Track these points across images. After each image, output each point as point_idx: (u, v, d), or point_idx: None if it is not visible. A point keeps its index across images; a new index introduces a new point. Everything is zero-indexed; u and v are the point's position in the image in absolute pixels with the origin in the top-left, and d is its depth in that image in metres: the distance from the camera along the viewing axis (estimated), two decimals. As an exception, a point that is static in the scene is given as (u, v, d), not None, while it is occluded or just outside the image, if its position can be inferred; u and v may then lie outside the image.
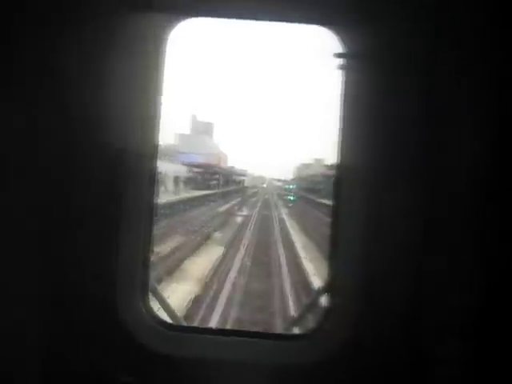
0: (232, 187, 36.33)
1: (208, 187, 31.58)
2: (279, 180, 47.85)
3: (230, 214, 27.84)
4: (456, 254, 2.14)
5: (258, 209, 33.26)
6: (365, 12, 2.20)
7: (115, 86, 2.18)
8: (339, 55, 2.32)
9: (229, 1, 2.25)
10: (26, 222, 2.16)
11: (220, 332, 2.82)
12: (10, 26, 2.11)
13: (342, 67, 2.32)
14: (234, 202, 32.80)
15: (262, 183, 50.50)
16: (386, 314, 2.18)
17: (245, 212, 30.37)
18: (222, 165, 32.72)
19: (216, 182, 33.04)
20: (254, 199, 39.92)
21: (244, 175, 40.71)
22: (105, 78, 2.17)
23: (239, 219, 26.67)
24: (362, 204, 2.25)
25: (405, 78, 2.19)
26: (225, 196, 33.15)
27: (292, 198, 36.05)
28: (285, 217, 29.06)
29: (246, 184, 42.84)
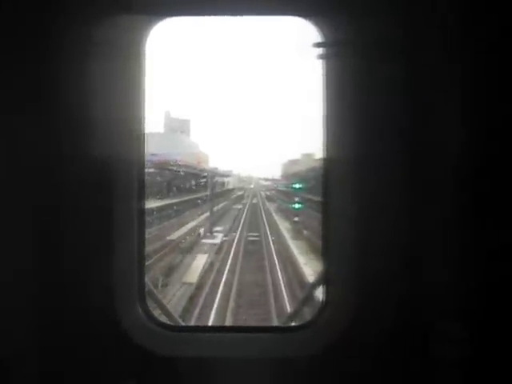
0: (208, 192, 30.00)
1: (176, 194, 21.78)
2: (267, 179, 47.86)
3: (186, 245, 16.59)
4: (449, 245, 2.44)
5: (240, 228, 23.75)
6: (342, 0, 2.57)
7: (98, 89, 2.46)
8: (318, 45, 2.65)
9: None
10: (19, 226, 2.45)
11: (217, 329, 3.12)
12: None
13: (322, 57, 2.68)
14: (206, 215, 22.41)
15: (250, 184, 50.14)
16: (382, 306, 2.48)
17: (217, 239, 19.18)
18: (202, 165, 31.92)
19: (189, 185, 23.87)
20: (238, 206, 34.49)
21: (228, 176, 40.21)
22: (86, 80, 2.45)
23: (199, 260, 14.64)
24: (352, 197, 2.55)
25: (387, 65, 2.47)
26: (195, 205, 23.27)
27: (298, 205, 22.96)
28: (294, 248, 16.60)
29: (230, 186, 41.99)
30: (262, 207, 35.65)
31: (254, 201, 39.24)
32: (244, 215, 31.10)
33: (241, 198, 40.64)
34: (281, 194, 34.06)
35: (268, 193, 43.77)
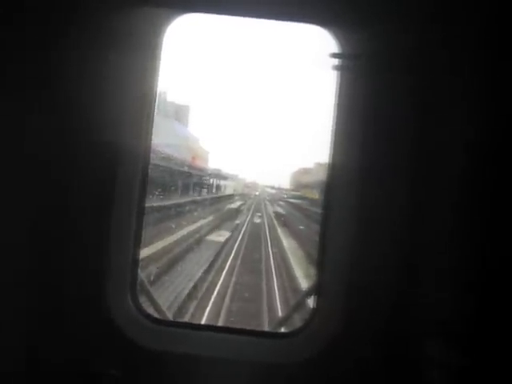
0: (194, 197, 27.55)
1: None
2: (273, 187, 49.15)
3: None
4: (446, 255, 2.98)
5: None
6: (361, 12, 3.05)
7: (111, 83, 3.01)
8: (335, 55, 3.24)
9: None
10: (14, 220, 2.97)
11: (209, 328, 3.68)
12: (8, 25, 2.99)
13: (337, 68, 3.25)
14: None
15: (255, 190, 51.56)
16: (374, 314, 3.02)
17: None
18: (197, 163, 31.61)
19: (171, 185, 19.69)
20: (220, 238, 22.80)
21: (227, 178, 40.17)
22: (101, 75, 2.99)
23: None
24: (350, 206, 3.10)
25: (400, 79, 3.03)
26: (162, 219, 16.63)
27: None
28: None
29: (229, 191, 41.89)
30: (269, 241, 21.70)
31: (257, 220, 32.69)
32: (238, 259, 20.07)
33: (236, 212, 35.86)
34: (295, 208, 30.07)
35: (279, 208, 40.39)
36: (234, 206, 36.95)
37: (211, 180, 35.36)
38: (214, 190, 35.82)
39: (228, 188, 44.70)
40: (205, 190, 30.87)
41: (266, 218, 32.01)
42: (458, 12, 2.98)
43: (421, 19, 3.01)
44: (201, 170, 31.28)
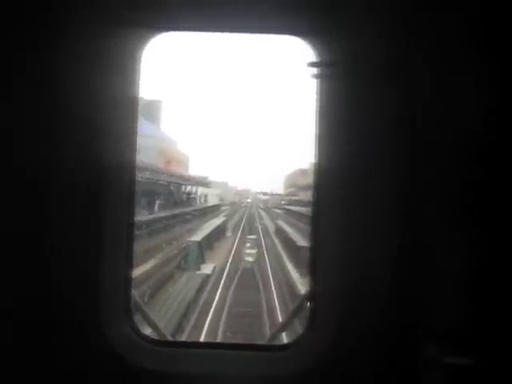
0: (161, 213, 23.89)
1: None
2: (265, 193, 49.92)
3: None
4: (437, 258, 3.53)
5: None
6: (337, 21, 3.61)
7: (94, 101, 3.54)
8: (313, 64, 3.80)
9: (201, 14, 3.64)
10: (5, 236, 3.48)
11: (206, 345, 4.24)
12: None
13: (316, 76, 3.83)
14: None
15: (247, 198, 51.90)
16: (370, 322, 3.54)
17: None
18: (172, 168, 30.45)
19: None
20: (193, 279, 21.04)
21: (209, 184, 37.19)
22: (82, 93, 3.54)
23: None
24: (340, 210, 3.63)
25: (379, 85, 3.59)
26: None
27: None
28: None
29: (213, 200, 39.90)
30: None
31: (249, 257, 25.68)
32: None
33: (218, 236, 31.39)
34: (300, 219, 25.51)
35: (280, 221, 36.02)
36: (217, 222, 34.07)
37: (189, 188, 33.40)
38: (192, 201, 34.25)
39: (212, 197, 42.14)
40: (183, 201, 30.74)
41: (267, 250, 27.49)
42: (434, 16, 3.54)
43: (397, 25, 3.58)
44: (177, 177, 30.16)
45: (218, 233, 34.24)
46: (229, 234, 38.15)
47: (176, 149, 34.27)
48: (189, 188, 33.86)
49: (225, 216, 41.02)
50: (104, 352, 3.57)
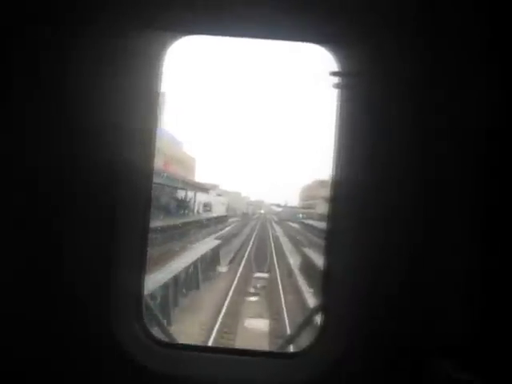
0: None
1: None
2: (279, 205, 50.55)
3: None
4: (454, 272, 3.83)
5: None
6: (360, 29, 3.90)
7: (114, 103, 3.86)
8: (335, 74, 4.12)
9: (225, 19, 3.95)
10: (18, 235, 3.84)
11: (215, 350, 4.64)
12: (10, 39, 3.84)
13: (337, 86, 4.19)
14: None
15: (260, 209, 52.36)
16: (380, 332, 3.83)
17: None
18: (172, 170, 27.73)
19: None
20: None
21: (208, 190, 33.90)
22: (103, 94, 3.85)
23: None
24: (356, 223, 3.92)
25: (400, 97, 3.89)
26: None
27: None
28: None
29: (218, 210, 37.21)
30: None
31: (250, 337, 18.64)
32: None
33: (191, 281, 22.32)
34: None
35: (308, 251, 27.71)
36: (209, 246, 25.72)
37: (187, 195, 28.25)
38: (186, 211, 27.89)
39: (218, 206, 38.58)
40: (169, 210, 24.57)
41: (289, 316, 17.97)
42: (458, 26, 3.87)
43: (420, 35, 3.88)
44: (173, 180, 25.51)
45: (206, 265, 25.79)
46: (223, 267, 29.50)
47: (180, 149, 33.38)
48: (189, 195, 29.75)
49: (230, 230, 36.60)
50: (113, 352, 3.88)
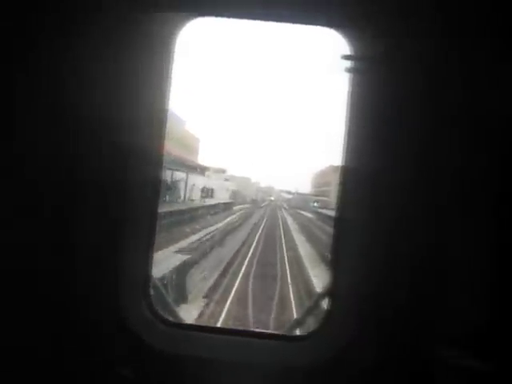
0: None
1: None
2: (290, 192, 50.93)
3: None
4: (460, 259, 4.05)
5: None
6: (373, 13, 4.08)
7: (124, 87, 4.08)
8: (347, 57, 4.31)
9: (236, 1, 4.21)
10: (26, 222, 4.10)
11: (221, 331, 4.94)
12: (24, 25, 4.10)
13: (350, 69, 4.37)
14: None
15: (270, 196, 52.68)
16: (387, 317, 4.05)
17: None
18: (177, 152, 26.18)
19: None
20: None
21: (204, 171, 33.42)
22: (113, 78, 4.07)
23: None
24: (365, 210, 4.14)
25: (414, 79, 4.07)
26: None
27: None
28: None
29: (221, 196, 36.19)
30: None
31: None
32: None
33: None
34: None
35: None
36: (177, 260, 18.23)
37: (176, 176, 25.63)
38: (173, 197, 25.30)
39: (222, 192, 37.69)
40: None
41: None
42: (471, 11, 4.06)
43: (434, 19, 4.08)
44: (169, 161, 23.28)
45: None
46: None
47: (182, 128, 32.54)
48: (179, 177, 27.16)
49: (226, 229, 28.89)
50: (121, 332, 4.18)
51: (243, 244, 27.87)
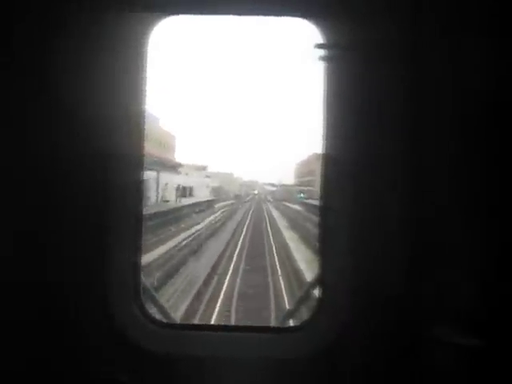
0: None
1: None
2: (273, 185, 51.50)
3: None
4: (449, 249, 4.16)
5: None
6: (346, 1, 4.23)
7: (99, 87, 4.18)
8: (320, 46, 4.38)
9: None
10: (13, 225, 4.19)
11: (213, 328, 5.12)
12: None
13: (323, 58, 4.44)
14: None
15: (253, 190, 53.11)
16: (379, 306, 4.16)
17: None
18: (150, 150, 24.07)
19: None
20: None
21: (178, 168, 35.06)
22: (88, 78, 4.16)
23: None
24: (349, 198, 4.25)
25: (388, 66, 4.18)
26: None
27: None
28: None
29: (199, 195, 36.73)
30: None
31: None
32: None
33: None
34: None
35: None
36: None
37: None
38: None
39: (201, 190, 37.87)
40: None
41: None
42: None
43: (408, 7, 4.21)
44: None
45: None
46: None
47: (156, 126, 32.61)
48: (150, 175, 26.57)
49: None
50: (112, 333, 4.28)
51: (224, 252, 23.58)
